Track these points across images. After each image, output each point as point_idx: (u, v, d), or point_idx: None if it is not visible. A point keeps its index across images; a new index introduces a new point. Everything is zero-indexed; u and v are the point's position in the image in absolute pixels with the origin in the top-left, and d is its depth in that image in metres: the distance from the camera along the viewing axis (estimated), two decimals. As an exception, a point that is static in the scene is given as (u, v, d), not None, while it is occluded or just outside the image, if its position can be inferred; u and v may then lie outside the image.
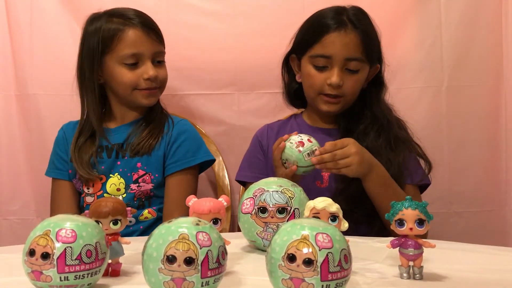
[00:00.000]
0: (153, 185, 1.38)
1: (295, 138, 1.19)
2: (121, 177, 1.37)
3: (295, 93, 1.43)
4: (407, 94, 1.62)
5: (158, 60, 1.39)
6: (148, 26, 1.37)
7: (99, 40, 1.34)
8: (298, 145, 1.16)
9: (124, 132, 1.41)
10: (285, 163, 1.19)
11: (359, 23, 1.29)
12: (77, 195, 1.43)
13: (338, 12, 1.30)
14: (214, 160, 1.46)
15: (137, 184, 1.37)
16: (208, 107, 1.68)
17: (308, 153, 1.15)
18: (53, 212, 1.43)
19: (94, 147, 1.39)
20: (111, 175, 1.38)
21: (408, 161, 1.32)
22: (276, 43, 1.63)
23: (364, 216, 1.25)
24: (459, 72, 1.63)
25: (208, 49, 1.67)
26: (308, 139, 1.18)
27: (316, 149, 1.16)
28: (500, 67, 1.64)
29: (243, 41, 1.66)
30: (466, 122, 1.65)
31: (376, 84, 1.37)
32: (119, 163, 1.38)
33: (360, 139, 1.26)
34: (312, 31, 1.32)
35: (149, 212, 1.38)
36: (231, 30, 1.66)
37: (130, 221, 1.34)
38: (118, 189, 1.37)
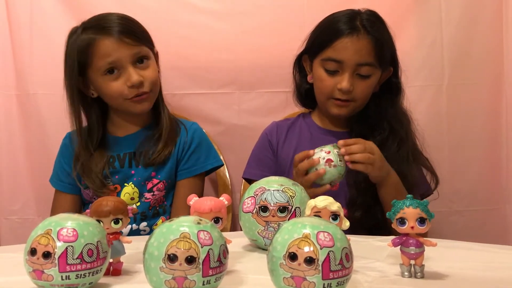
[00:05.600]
0: (165, 191, 1.37)
1: (321, 161, 1.13)
2: (135, 186, 1.35)
3: (306, 93, 1.42)
4: (408, 93, 1.60)
5: (141, 61, 1.33)
6: (122, 31, 1.31)
7: (74, 59, 1.31)
8: (330, 163, 1.13)
9: (133, 140, 1.38)
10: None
11: (372, 28, 1.27)
12: (79, 207, 1.41)
13: (352, 16, 1.29)
14: (222, 165, 1.47)
15: (152, 193, 1.35)
16: (208, 106, 1.68)
17: (340, 160, 1.13)
18: None
19: (104, 158, 1.35)
20: (125, 184, 1.36)
21: (421, 172, 1.33)
22: (277, 42, 1.64)
23: (372, 224, 1.24)
24: (459, 70, 1.63)
25: (208, 48, 1.66)
26: (327, 151, 1.14)
27: (337, 151, 1.14)
28: (501, 65, 1.64)
29: (244, 40, 1.65)
30: (467, 120, 1.64)
31: (392, 89, 1.35)
32: (133, 172, 1.36)
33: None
34: (324, 35, 1.31)
35: (163, 222, 1.36)
36: (231, 29, 1.66)
37: (144, 230, 1.34)
38: (132, 198, 1.35)
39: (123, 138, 1.40)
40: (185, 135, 1.39)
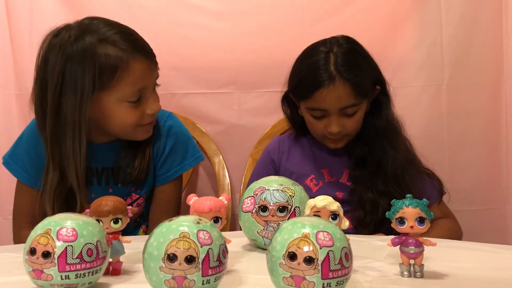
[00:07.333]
0: (145, 202, 1.30)
1: None
2: None
3: (300, 124, 1.39)
4: (408, 92, 1.62)
5: (154, 85, 1.20)
6: (147, 51, 1.15)
7: (94, 77, 1.07)
8: None
9: (111, 151, 1.22)
10: None
11: (347, 72, 1.23)
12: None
13: (326, 61, 1.25)
14: (202, 160, 1.36)
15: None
16: (208, 106, 1.68)
17: None
18: (18, 223, 1.25)
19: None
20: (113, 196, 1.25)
21: (424, 182, 1.33)
22: (277, 42, 1.64)
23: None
24: (459, 70, 1.63)
25: (208, 48, 1.66)
26: None
27: None
28: (501, 66, 1.64)
29: (244, 40, 1.65)
30: (467, 120, 1.64)
31: (381, 105, 1.33)
32: (111, 190, 1.22)
33: (376, 172, 1.28)
34: (303, 85, 1.29)
35: (143, 231, 1.33)
36: (231, 29, 1.66)
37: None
38: None
39: (99, 146, 1.22)
40: (158, 140, 1.26)
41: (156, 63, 1.19)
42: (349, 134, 1.30)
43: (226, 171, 1.64)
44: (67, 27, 1.14)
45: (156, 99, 1.19)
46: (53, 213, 1.00)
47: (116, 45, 1.10)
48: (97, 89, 1.09)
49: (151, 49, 1.18)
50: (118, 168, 1.23)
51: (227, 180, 1.63)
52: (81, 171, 1.13)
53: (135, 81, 1.11)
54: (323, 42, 1.31)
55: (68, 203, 1.15)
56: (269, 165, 1.42)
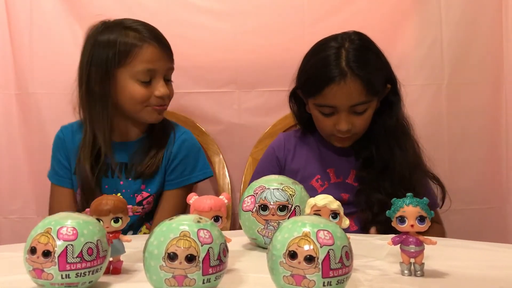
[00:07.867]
0: (153, 202, 1.37)
1: None
2: (123, 198, 1.29)
3: (307, 121, 1.37)
4: (408, 92, 1.60)
5: (168, 78, 1.36)
6: (164, 43, 1.34)
7: (115, 53, 1.28)
8: None
9: (129, 149, 1.37)
10: None
11: (358, 68, 1.20)
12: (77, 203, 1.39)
13: (337, 56, 1.22)
14: (210, 176, 1.44)
15: (142, 207, 1.34)
16: (208, 105, 1.68)
17: None
18: None
19: (98, 166, 1.33)
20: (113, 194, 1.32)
21: (429, 187, 1.32)
22: (277, 42, 1.64)
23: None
24: (459, 69, 1.63)
25: (208, 48, 1.66)
26: None
27: None
28: (501, 65, 1.64)
29: (244, 40, 1.65)
30: (467, 119, 1.65)
31: (392, 105, 1.31)
32: (122, 183, 1.35)
33: (383, 173, 1.26)
34: (312, 81, 1.26)
35: (147, 228, 1.37)
36: (231, 28, 1.66)
37: None
38: None
39: (119, 144, 1.36)
40: (172, 146, 1.38)
41: (170, 56, 1.36)
42: (357, 132, 1.28)
43: (226, 171, 1.64)
44: (103, 22, 1.34)
45: (166, 86, 1.33)
46: (91, 168, 1.32)
47: (136, 31, 1.32)
48: (116, 65, 1.29)
49: (168, 43, 1.36)
50: (131, 164, 1.35)
51: (227, 179, 1.63)
52: (107, 131, 1.32)
53: (146, 61, 1.29)
54: (334, 37, 1.28)
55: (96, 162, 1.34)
56: (273, 163, 1.40)
